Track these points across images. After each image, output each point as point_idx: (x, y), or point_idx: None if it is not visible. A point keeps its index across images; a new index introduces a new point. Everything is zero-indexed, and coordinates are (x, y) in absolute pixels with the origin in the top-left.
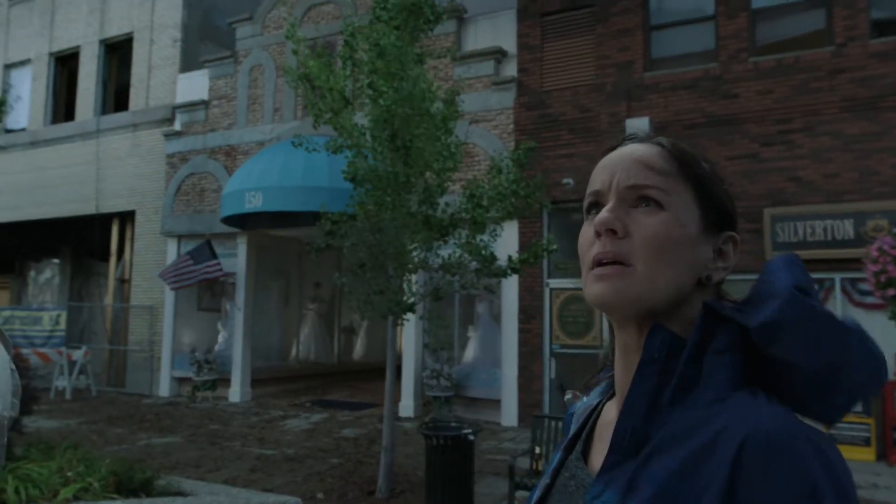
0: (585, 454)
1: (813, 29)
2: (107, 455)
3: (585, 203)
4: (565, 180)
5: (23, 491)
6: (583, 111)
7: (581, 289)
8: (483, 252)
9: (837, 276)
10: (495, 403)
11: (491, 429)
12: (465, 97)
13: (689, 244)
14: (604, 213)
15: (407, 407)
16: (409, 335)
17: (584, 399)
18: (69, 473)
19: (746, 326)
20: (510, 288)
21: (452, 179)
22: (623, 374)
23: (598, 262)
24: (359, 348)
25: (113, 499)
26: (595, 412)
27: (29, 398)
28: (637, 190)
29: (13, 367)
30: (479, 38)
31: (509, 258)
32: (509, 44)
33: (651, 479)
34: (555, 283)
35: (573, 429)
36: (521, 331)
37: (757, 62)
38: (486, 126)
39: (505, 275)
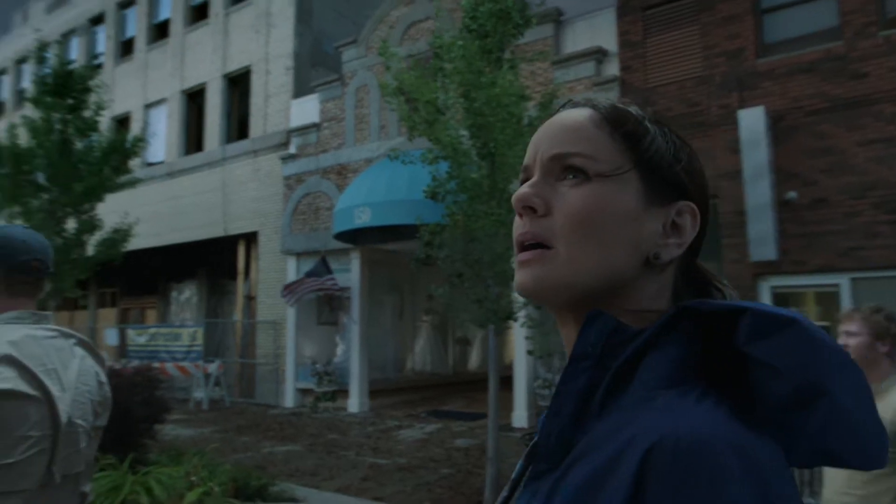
0: None
1: None
2: (232, 462)
3: (520, 182)
4: None
5: (156, 489)
6: (690, 105)
7: None
8: None
9: None
10: None
11: None
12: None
13: (627, 218)
14: (521, 189)
15: (520, 417)
16: (520, 345)
17: None
18: (193, 478)
19: (729, 313)
20: None
21: None
22: None
23: (521, 246)
24: (474, 359)
25: (231, 503)
26: None
27: (162, 409)
28: (560, 160)
29: (103, 379)
30: (577, 39)
31: None
32: (609, 42)
33: (564, 493)
34: None
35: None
36: None
37: (888, 36)
38: None
39: None
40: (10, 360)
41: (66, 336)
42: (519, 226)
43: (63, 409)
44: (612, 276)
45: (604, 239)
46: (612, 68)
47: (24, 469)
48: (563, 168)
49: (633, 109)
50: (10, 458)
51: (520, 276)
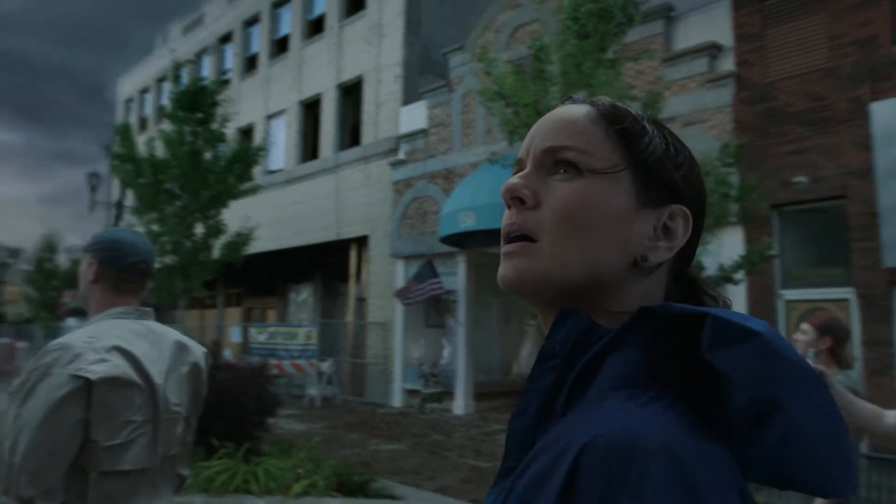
0: None
1: None
2: (339, 457)
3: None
4: (798, 179)
5: (264, 479)
6: (815, 100)
7: (831, 300)
8: None
9: None
10: None
11: None
12: (678, 99)
13: (616, 217)
14: (511, 180)
15: None
16: None
17: None
18: (300, 471)
19: (691, 318)
20: (737, 301)
21: None
22: None
23: (507, 238)
24: None
25: (333, 496)
26: None
27: (273, 403)
28: (553, 153)
29: (200, 370)
30: (689, 35)
31: (720, 266)
32: (724, 37)
33: (517, 492)
34: (790, 293)
35: None
36: None
37: None
38: (701, 127)
39: (717, 285)
40: (119, 350)
41: (165, 331)
42: (507, 217)
43: (162, 396)
44: (596, 274)
45: (590, 236)
46: (727, 63)
47: (130, 450)
48: (556, 161)
49: (633, 109)
50: (118, 439)
51: (502, 269)
